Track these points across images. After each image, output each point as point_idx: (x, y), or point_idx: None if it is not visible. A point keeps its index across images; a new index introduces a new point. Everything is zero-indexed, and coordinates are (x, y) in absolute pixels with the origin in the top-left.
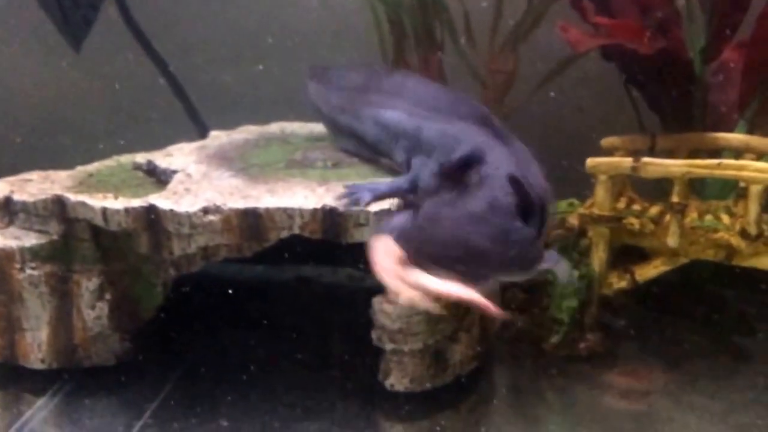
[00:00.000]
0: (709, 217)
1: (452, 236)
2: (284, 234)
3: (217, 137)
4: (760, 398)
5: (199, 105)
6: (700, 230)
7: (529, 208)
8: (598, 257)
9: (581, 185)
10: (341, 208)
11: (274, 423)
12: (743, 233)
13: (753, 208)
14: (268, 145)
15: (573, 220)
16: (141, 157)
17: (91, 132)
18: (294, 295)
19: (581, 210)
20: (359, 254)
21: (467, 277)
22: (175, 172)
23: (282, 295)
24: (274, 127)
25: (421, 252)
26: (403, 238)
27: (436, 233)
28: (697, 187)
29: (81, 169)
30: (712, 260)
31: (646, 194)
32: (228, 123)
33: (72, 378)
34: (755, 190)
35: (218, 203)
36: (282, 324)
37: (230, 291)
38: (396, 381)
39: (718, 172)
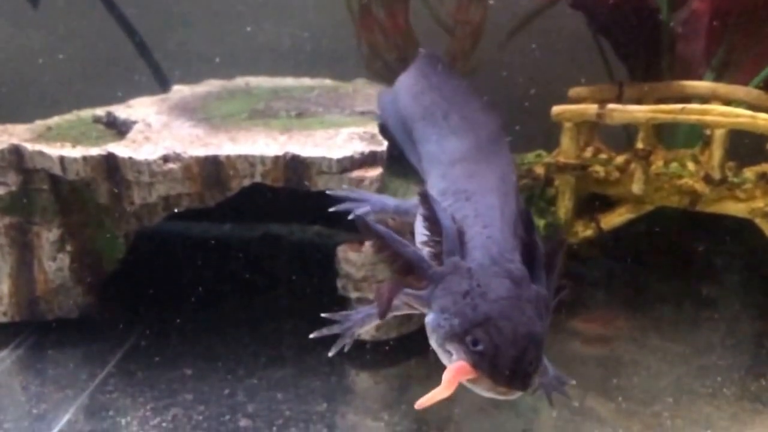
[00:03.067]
0: (674, 165)
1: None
2: (246, 182)
3: (180, 91)
4: (723, 342)
5: (165, 68)
6: (664, 177)
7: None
8: (564, 206)
9: (550, 137)
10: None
11: (239, 371)
12: (707, 178)
13: (717, 152)
14: (231, 97)
15: (539, 170)
16: (101, 110)
17: (51, 90)
18: (261, 251)
19: (547, 159)
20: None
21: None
22: (135, 122)
23: (250, 252)
24: (239, 81)
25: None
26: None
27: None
28: (665, 137)
29: (40, 123)
30: (676, 207)
31: (618, 149)
32: (194, 82)
33: (35, 331)
34: (719, 134)
35: (178, 151)
36: (248, 278)
37: (197, 248)
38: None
39: (681, 117)
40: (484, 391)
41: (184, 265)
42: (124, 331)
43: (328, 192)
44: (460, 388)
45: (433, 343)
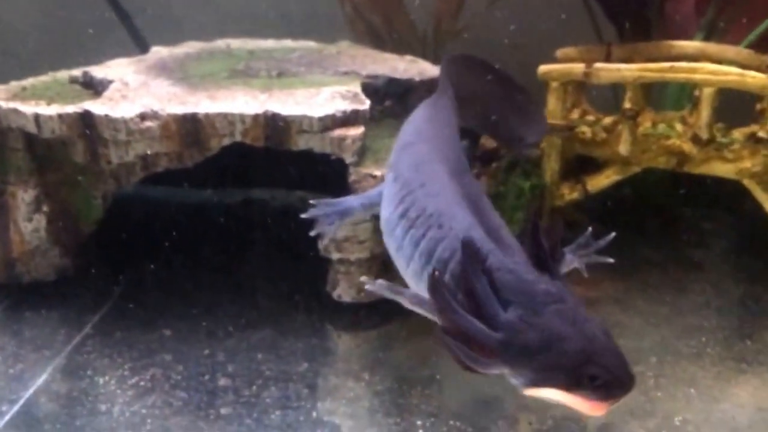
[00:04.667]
0: (662, 126)
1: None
2: (226, 141)
3: (158, 52)
4: (708, 304)
5: (146, 34)
6: (652, 138)
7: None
8: (550, 167)
9: (538, 99)
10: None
11: (218, 332)
12: (695, 138)
13: (705, 111)
14: (210, 58)
15: None
16: (77, 71)
17: (29, 57)
18: (243, 216)
19: None
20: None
21: None
22: (111, 82)
23: (231, 216)
24: (219, 43)
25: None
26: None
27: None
28: (654, 100)
29: (15, 84)
30: (664, 168)
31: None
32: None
33: (12, 293)
34: (707, 92)
35: (156, 109)
36: (229, 242)
37: (178, 212)
38: (343, 292)
39: (670, 75)
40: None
41: (164, 230)
42: (104, 294)
43: (302, 216)
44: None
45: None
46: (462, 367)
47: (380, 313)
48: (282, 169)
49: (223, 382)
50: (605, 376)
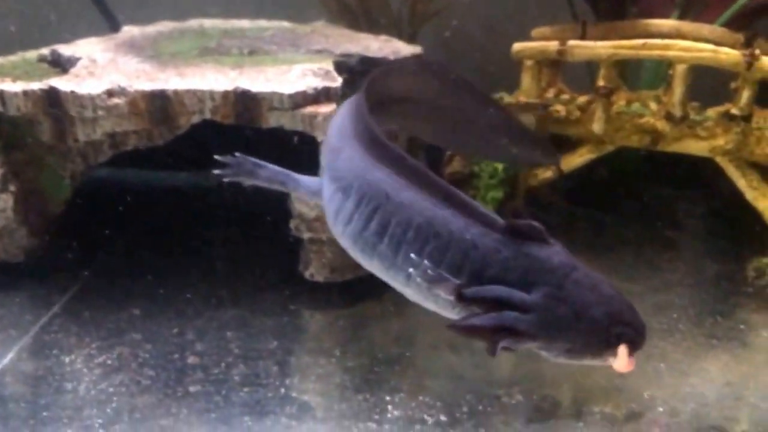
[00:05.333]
0: (636, 105)
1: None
2: (195, 119)
3: (129, 31)
4: (681, 281)
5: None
6: (626, 116)
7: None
8: None
9: (513, 80)
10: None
11: (189, 311)
12: (668, 116)
13: (678, 88)
14: (182, 37)
15: None
16: (46, 50)
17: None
18: (218, 198)
19: (508, 99)
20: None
21: None
22: (79, 59)
23: (206, 198)
24: (192, 23)
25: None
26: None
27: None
28: (630, 78)
29: None
30: (637, 147)
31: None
32: None
33: None
34: (681, 69)
35: (123, 85)
36: (203, 224)
37: (152, 195)
38: (316, 271)
39: (643, 53)
40: None
41: (139, 212)
42: (73, 274)
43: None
44: (413, 326)
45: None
46: (492, 351)
47: (353, 293)
48: (259, 154)
49: (192, 360)
50: (630, 333)
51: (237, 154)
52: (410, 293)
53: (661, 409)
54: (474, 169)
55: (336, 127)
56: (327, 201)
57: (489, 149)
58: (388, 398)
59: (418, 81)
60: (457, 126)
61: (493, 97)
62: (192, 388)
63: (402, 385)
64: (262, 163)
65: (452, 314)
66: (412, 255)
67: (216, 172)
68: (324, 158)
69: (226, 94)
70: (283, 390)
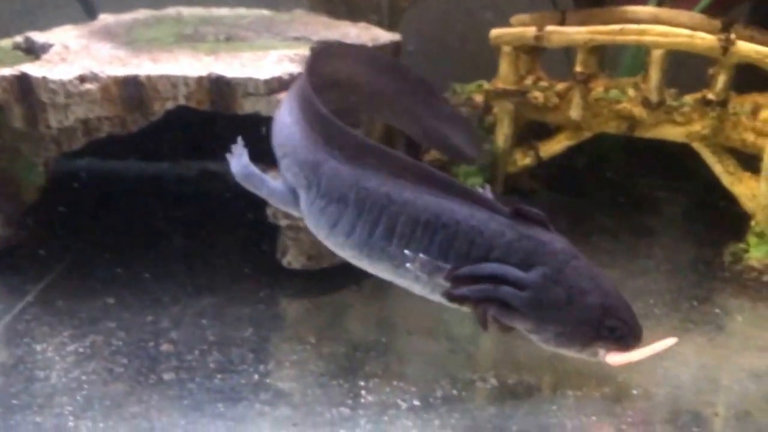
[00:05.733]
0: (614, 91)
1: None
2: (169, 105)
3: (105, 19)
4: (658, 267)
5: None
6: (603, 102)
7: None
8: (503, 133)
9: (491, 68)
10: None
11: (165, 299)
12: (645, 102)
13: (654, 74)
14: (158, 24)
15: (478, 98)
16: (20, 37)
17: None
18: (197, 188)
19: (486, 86)
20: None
21: None
22: (52, 46)
23: (184, 188)
24: (170, 10)
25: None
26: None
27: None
28: (610, 66)
29: None
30: (615, 133)
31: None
32: None
33: None
34: (657, 54)
35: (96, 71)
36: (181, 213)
37: (131, 184)
38: (293, 258)
39: (620, 38)
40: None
41: (117, 202)
42: (48, 263)
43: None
44: (390, 313)
45: (570, 353)
46: (484, 326)
47: (331, 280)
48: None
49: (165, 347)
50: (623, 328)
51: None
52: (418, 289)
53: (635, 392)
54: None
55: (291, 127)
56: (316, 214)
57: (425, 135)
58: (362, 384)
59: (359, 65)
60: (394, 109)
61: (432, 86)
62: (166, 376)
63: (377, 371)
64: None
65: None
66: (408, 251)
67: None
68: (292, 162)
69: (200, 80)
70: (256, 377)
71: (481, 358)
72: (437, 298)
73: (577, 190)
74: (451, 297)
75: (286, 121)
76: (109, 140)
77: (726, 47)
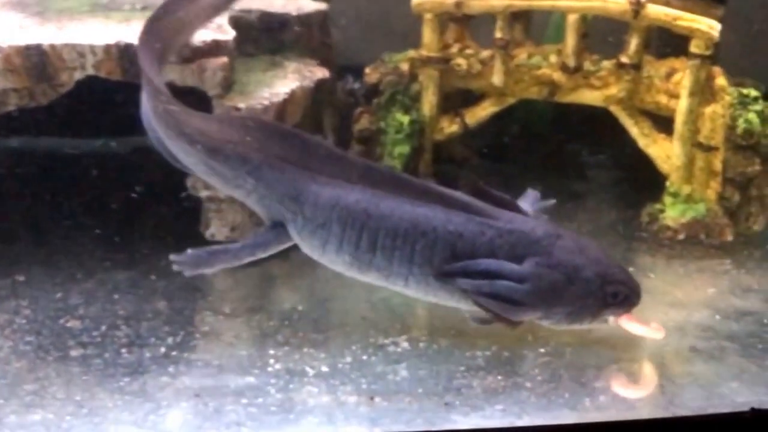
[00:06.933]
0: (536, 57)
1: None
2: (78, 75)
3: None
4: (579, 230)
5: None
6: (524, 68)
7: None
8: (428, 101)
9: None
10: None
11: (78, 275)
12: (563, 67)
13: (570, 38)
14: None
15: (404, 66)
16: None
17: None
18: (127, 164)
19: (411, 53)
20: None
21: None
22: None
23: (114, 164)
24: None
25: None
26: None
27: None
28: (536, 35)
29: None
30: (537, 98)
31: None
32: None
33: None
34: (572, 19)
35: None
36: (106, 188)
37: (58, 162)
38: (216, 230)
39: (536, 4)
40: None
41: (42, 181)
42: None
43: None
44: (312, 284)
45: (582, 327)
46: (506, 323)
47: None
48: None
49: (72, 323)
50: (624, 290)
51: (189, 250)
52: (411, 293)
53: (542, 350)
54: (381, 125)
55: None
56: (307, 239)
57: None
58: (272, 352)
59: None
60: None
61: None
62: (73, 353)
63: (289, 339)
64: (218, 247)
65: (457, 305)
66: (405, 259)
67: (176, 268)
68: (267, 200)
69: (108, 48)
70: (163, 349)
71: (396, 323)
72: (431, 299)
73: (508, 158)
74: (443, 278)
75: (250, 159)
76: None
77: (637, 11)
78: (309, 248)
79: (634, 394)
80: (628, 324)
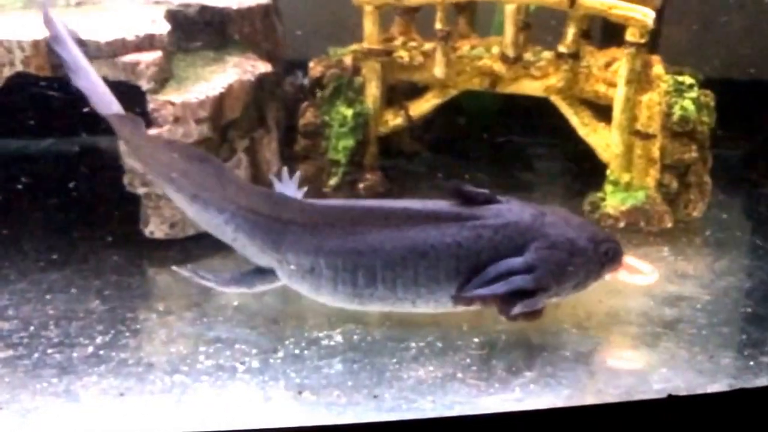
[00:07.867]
0: (479, 49)
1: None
2: (7, 71)
3: None
4: None
5: None
6: (466, 59)
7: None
8: (372, 94)
9: None
10: None
11: (11, 276)
12: (503, 57)
13: (508, 29)
14: None
15: (347, 60)
16: None
17: None
18: (73, 164)
19: (354, 47)
20: None
21: None
22: None
23: (58, 165)
24: None
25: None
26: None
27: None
28: (482, 27)
29: None
30: (479, 89)
31: None
32: None
33: None
34: (509, 10)
35: None
36: (44, 188)
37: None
38: (155, 228)
39: None
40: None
41: None
42: None
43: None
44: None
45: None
46: (532, 317)
47: (198, 250)
48: None
49: (1, 325)
50: (612, 246)
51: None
52: (419, 311)
53: (476, 340)
54: (325, 118)
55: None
56: (298, 283)
57: None
58: (203, 349)
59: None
60: None
61: None
62: (1, 354)
63: (221, 335)
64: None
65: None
66: (402, 284)
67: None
68: (251, 249)
69: (36, 44)
70: (91, 349)
71: (331, 316)
72: (442, 311)
73: (457, 151)
74: (469, 300)
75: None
76: None
77: (573, 0)
78: (302, 291)
79: None
80: (627, 276)
